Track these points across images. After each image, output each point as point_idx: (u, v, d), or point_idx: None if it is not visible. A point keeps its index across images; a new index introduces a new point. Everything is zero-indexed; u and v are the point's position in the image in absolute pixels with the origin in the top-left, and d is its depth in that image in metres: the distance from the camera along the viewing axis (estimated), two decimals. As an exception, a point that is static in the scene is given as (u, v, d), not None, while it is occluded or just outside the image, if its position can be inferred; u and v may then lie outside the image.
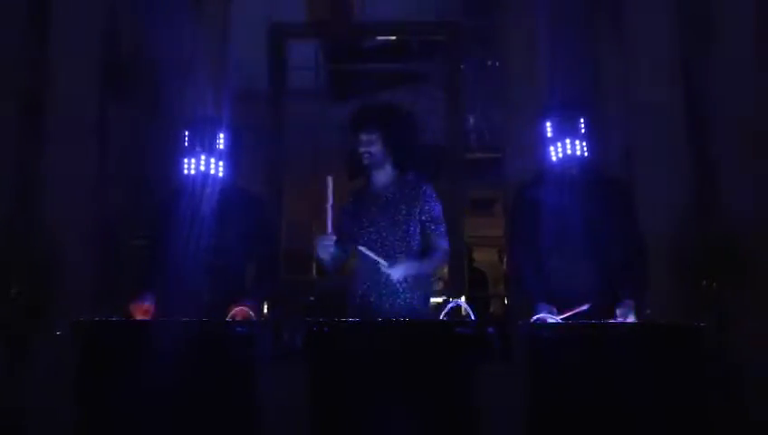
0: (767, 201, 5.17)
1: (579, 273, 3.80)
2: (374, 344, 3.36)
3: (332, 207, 3.75)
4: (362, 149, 3.98)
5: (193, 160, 3.87)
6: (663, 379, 3.27)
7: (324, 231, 3.82)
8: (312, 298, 6.50)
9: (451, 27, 7.01)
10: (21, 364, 5.10)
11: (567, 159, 3.82)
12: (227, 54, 5.88)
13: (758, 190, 5.20)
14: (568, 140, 3.80)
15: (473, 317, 3.59)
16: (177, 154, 3.92)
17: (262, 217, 4.09)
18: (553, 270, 3.86)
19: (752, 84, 5.34)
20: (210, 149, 3.87)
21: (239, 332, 3.47)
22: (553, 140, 3.84)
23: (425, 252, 4.01)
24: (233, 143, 3.97)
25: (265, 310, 5.65)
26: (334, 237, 3.81)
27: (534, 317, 3.57)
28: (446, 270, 6.87)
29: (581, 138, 3.80)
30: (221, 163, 3.90)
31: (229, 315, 3.61)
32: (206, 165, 3.86)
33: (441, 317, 3.67)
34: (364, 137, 3.98)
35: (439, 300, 6.78)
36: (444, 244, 4.03)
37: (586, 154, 3.81)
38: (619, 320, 3.57)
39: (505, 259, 7.33)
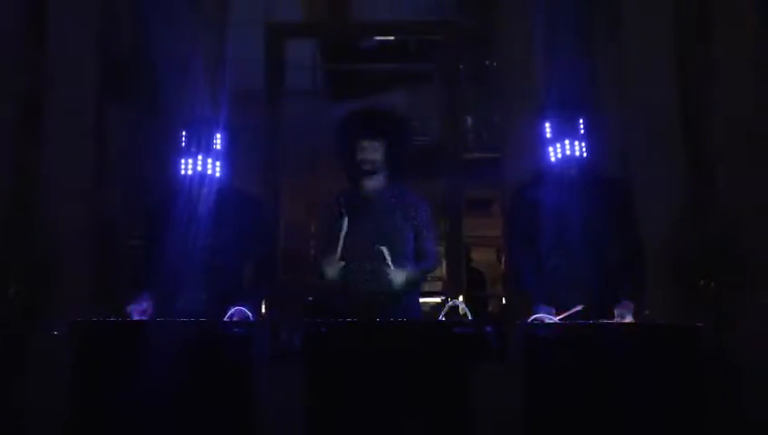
0: (764, 201, 5.17)
1: (577, 273, 3.80)
2: (372, 345, 3.36)
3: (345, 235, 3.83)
4: (366, 157, 4.00)
5: (190, 161, 3.86)
6: (660, 379, 3.27)
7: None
8: (310, 298, 6.49)
9: (449, 27, 6.99)
10: (18, 364, 5.10)
11: (566, 160, 3.82)
12: (224, 54, 5.87)
13: (755, 190, 5.20)
14: (567, 141, 3.80)
15: (470, 317, 3.59)
16: (174, 154, 3.92)
17: (259, 218, 4.09)
18: (552, 270, 3.86)
19: (748, 85, 5.34)
20: (207, 150, 3.87)
21: (236, 332, 3.46)
22: (552, 141, 3.84)
23: (418, 257, 4.05)
24: (230, 143, 3.97)
25: (263, 310, 5.65)
26: (342, 263, 3.86)
27: (532, 317, 3.57)
28: (444, 270, 6.87)
29: (581, 138, 3.80)
30: (218, 163, 3.89)
31: (227, 316, 3.60)
32: (203, 165, 3.85)
33: (440, 317, 3.67)
34: (368, 145, 4.00)
35: (438, 300, 6.79)
36: (435, 248, 4.12)
37: (585, 155, 3.81)
38: (617, 320, 3.57)
39: (504, 259, 7.32)
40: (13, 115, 5.43)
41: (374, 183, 4.08)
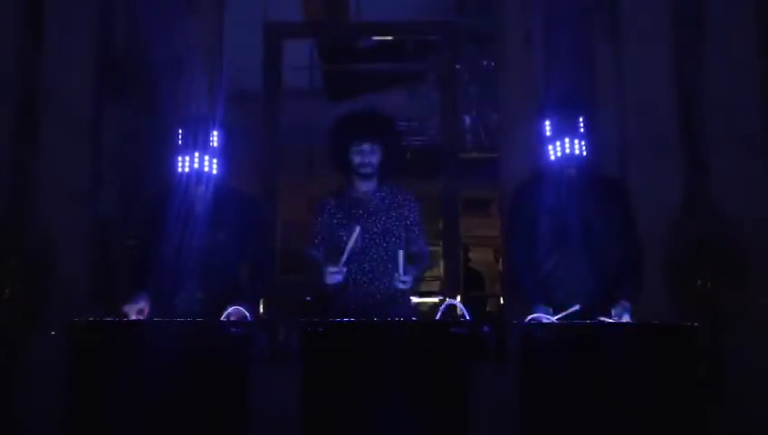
0: (761, 201, 5.18)
1: (575, 273, 3.79)
2: (369, 344, 3.36)
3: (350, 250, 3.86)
4: (364, 160, 4.01)
5: (187, 158, 3.85)
6: (657, 379, 3.27)
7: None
8: (308, 298, 6.48)
9: (447, 27, 6.99)
10: (15, 365, 5.09)
11: (565, 159, 3.81)
12: (222, 53, 5.87)
13: (752, 190, 5.20)
14: (567, 140, 3.79)
15: (468, 317, 3.59)
16: (171, 153, 3.91)
17: (256, 218, 4.09)
18: (549, 270, 3.86)
19: (745, 85, 5.35)
20: (204, 148, 3.86)
21: (234, 332, 3.46)
22: (552, 139, 3.83)
23: (411, 256, 4.08)
24: (227, 143, 3.96)
25: (261, 310, 5.65)
26: (345, 269, 3.87)
27: (529, 317, 3.57)
28: (442, 270, 6.87)
29: (580, 137, 3.79)
30: (215, 161, 3.88)
31: (224, 315, 3.60)
32: (199, 162, 3.84)
33: (437, 317, 3.67)
34: (367, 148, 4.02)
35: (435, 300, 6.79)
36: (426, 247, 4.19)
37: (584, 153, 3.80)
38: (615, 320, 3.57)
39: (501, 259, 7.32)
40: (9, 115, 5.42)
41: (368, 184, 4.11)
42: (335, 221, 4.08)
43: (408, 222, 4.11)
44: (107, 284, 5.38)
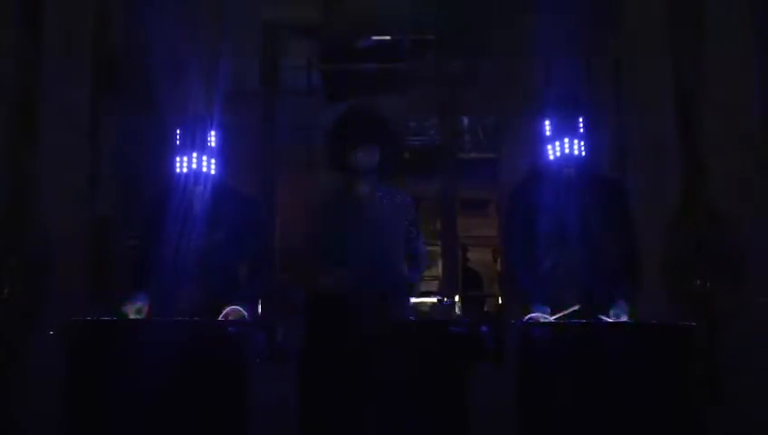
0: (759, 201, 5.18)
1: (573, 273, 3.79)
2: (367, 344, 3.37)
3: None
4: (364, 162, 4.03)
5: (185, 159, 3.85)
6: (655, 378, 3.27)
7: None
8: (306, 298, 6.48)
9: (445, 27, 6.99)
10: (14, 364, 5.09)
11: (564, 159, 3.81)
12: (220, 53, 5.86)
13: (749, 190, 5.21)
14: (567, 140, 3.79)
15: (465, 317, 3.60)
16: (169, 153, 3.91)
17: (254, 217, 4.08)
18: (547, 270, 3.86)
19: (743, 85, 5.35)
20: (202, 147, 3.86)
21: (232, 331, 3.46)
22: (552, 139, 3.83)
23: (409, 256, 4.11)
24: (225, 142, 3.96)
25: (259, 310, 5.65)
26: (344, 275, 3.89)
27: (527, 317, 3.57)
28: (440, 270, 6.88)
29: (580, 137, 3.80)
30: (213, 161, 3.88)
31: (222, 315, 3.60)
32: (197, 163, 3.84)
33: (434, 317, 3.68)
34: (366, 149, 4.02)
35: (433, 300, 6.80)
36: (423, 247, 4.20)
37: (583, 154, 3.81)
38: (612, 320, 3.57)
39: (500, 259, 7.33)
40: (8, 115, 5.42)
41: (367, 184, 4.11)
42: (334, 222, 4.09)
43: (408, 222, 4.13)
44: (105, 283, 5.37)
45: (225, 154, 3.97)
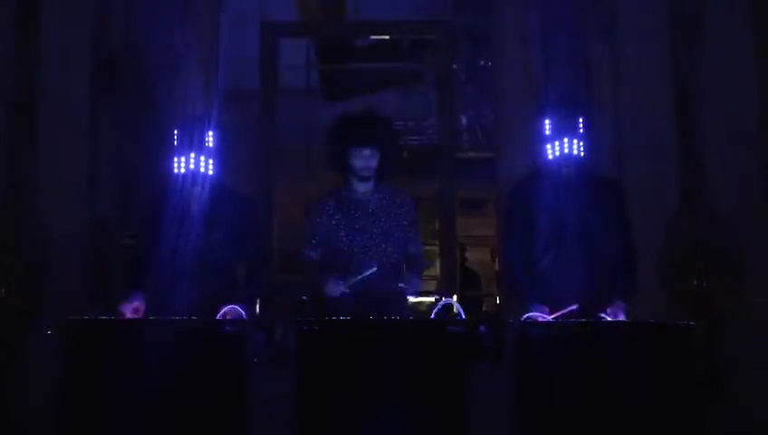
0: (757, 201, 5.19)
1: (571, 272, 3.79)
2: (366, 344, 3.36)
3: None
4: (363, 164, 4.03)
5: (183, 159, 3.85)
6: (653, 378, 3.27)
7: None
8: (304, 297, 6.49)
9: (443, 26, 6.99)
10: (12, 364, 5.08)
11: (563, 158, 3.81)
12: (218, 53, 5.86)
13: (747, 190, 5.21)
14: (566, 140, 3.79)
15: (463, 316, 3.60)
16: (167, 153, 3.91)
17: (252, 217, 4.08)
18: (545, 269, 3.86)
19: (741, 85, 5.35)
20: (200, 148, 3.85)
21: (229, 330, 3.46)
22: (551, 138, 3.83)
23: (407, 256, 4.13)
24: (224, 142, 3.96)
25: (258, 310, 5.65)
26: (349, 289, 3.90)
27: (525, 316, 3.57)
28: (438, 270, 6.88)
29: (580, 137, 3.80)
30: (210, 161, 3.88)
31: (220, 314, 3.60)
32: (195, 163, 3.84)
33: (432, 316, 3.68)
34: (366, 152, 4.03)
35: (431, 299, 6.79)
36: (421, 248, 4.23)
37: (582, 154, 3.81)
38: (610, 319, 3.57)
39: (498, 259, 7.33)
40: (6, 114, 5.42)
41: (366, 185, 4.11)
42: (334, 222, 4.09)
43: (407, 223, 4.13)
44: (103, 283, 5.37)
45: (223, 154, 3.96)
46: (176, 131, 3.89)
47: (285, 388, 3.45)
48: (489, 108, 7.19)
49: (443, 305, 3.73)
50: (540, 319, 3.54)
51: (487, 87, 7.05)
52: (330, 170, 4.27)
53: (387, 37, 7.81)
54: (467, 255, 8.64)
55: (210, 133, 3.88)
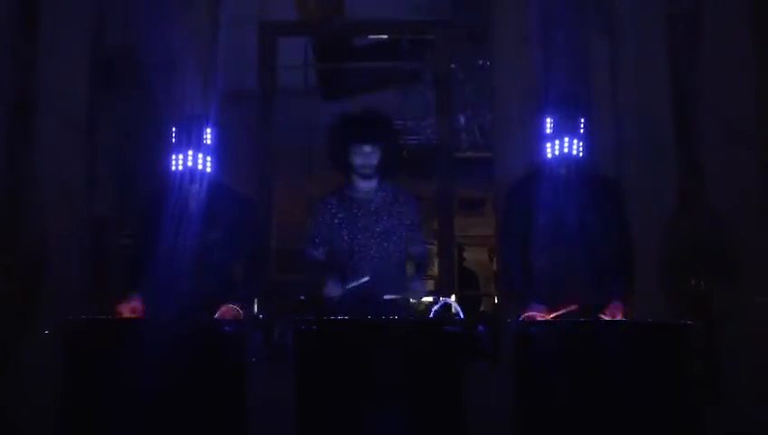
0: (755, 201, 5.19)
1: (569, 272, 3.79)
2: (363, 343, 3.36)
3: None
4: (365, 162, 4.03)
5: (181, 157, 3.85)
6: (651, 377, 3.27)
7: None
8: (302, 297, 6.48)
9: (442, 26, 6.99)
10: (9, 364, 5.08)
11: (562, 158, 3.81)
12: (216, 52, 5.85)
13: (745, 190, 5.21)
14: (566, 139, 3.79)
15: (462, 316, 3.60)
16: (165, 152, 3.91)
17: (250, 217, 4.09)
18: (543, 269, 3.86)
19: (740, 85, 5.35)
20: (198, 146, 3.85)
21: (227, 330, 3.46)
22: (552, 137, 3.83)
23: (412, 256, 4.15)
24: (222, 142, 3.96)
25: (256, 309, 5.64)
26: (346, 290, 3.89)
27: (523, 316, 3.57)
28: (436, 269, 6.87)
29: (580, 137, 3.80)
30: (209, 159, 3.88)
31: (218, 314, 3.60)
32: (193, 161, 3.84)
33: (430, 316, 3.68)
34: (367, 149, 4.04)
35: (429, 299, 6.79)
36: (425, 247, 4.27)
37: (581, 154, 3.81)
38: (608, 319, 3.57)
39: (496, 259, 7.32)
40: (4, 114, 5.41)
41: (369, 184, 4.12)
42: (336, 221, 4.10)
43: (409, 222, 4.13)
44: (101, 282, 5.36)
45: (221, 153, 3.97)
46: (174, 130, 3.89)
47: (284, 387, 3.46)
48: (487, 108, 7.17)
49: (441, 305, 3.73)
50: (538, 319, 3.54)
51: (486, 87, 7.03)
52: (331, 169, 4.28)
53: (385, 37, 7.80)
54: (465, 255, 8.63)
55: (208, 131, 3.88)
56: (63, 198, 5.36)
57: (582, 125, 3.82)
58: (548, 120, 3.86)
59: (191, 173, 3.85)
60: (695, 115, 5.46)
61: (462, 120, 8.13)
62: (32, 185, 5.38)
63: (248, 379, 3.45)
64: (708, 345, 4.96)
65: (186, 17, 5.69)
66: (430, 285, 7.30)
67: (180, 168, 3.85)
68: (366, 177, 4.09)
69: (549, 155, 3.84)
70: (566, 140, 3.80)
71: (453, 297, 5.35)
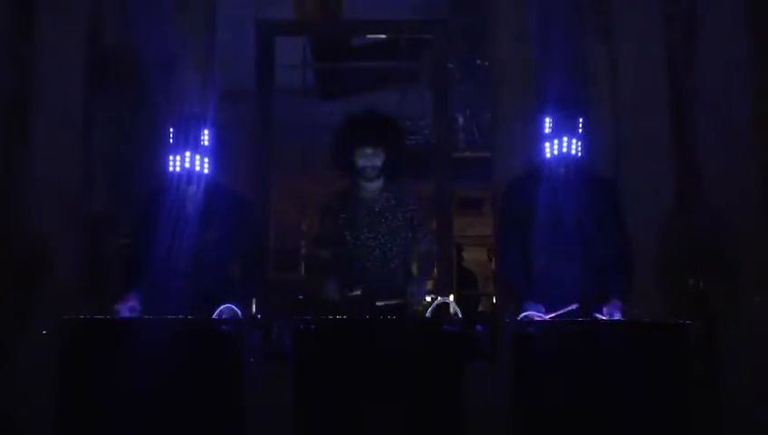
0: (753, 200, 5.19)
1: (567, 272, 3.79)
2: (361, 343, 3.36)
3: None
4: (369, 164, 4.03)
5: (178, 158, 3.84)
6: (649, 377, 3.27)
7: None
8: (300, 296, 6.48)
9: (439, 26, 6.98)
10: (6, 364, 5.07)
11: (561, 157, 3.81)
12: (214, 52, 5.85)
13: (744, 190, 5.21)
14: (565, 138, 3.79)
15: (460, 316, 3.59)
16: (163, 152, 3.90)
17: (247, 216, 4.08)
18: (541, 268, 3.86)
19: (738, 85, 5.35)
20: (195, 147, 3.84)
21: (225, 330, 3.45)
22: (550, 137, 3.83)
23: (418, 255, 4.13)
24: (219, 141, 3.96)
25: (254, 309, 5.64)
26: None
27: (521, 315, 3.56)
28: (435, 269, 6.86)
29: (578, 137, 3.80)
30: (206, 160, 3.87)
31: (215, 314, 3.59)
32: (190, 162, 3.83)
33: (428, 316, 3.68)
34: (370, 152, 4.02)
35: (428, 299, 6.79)
36: (429, 248, 4.19)
37: (580, 154, 3.81)
38: (606, 318, 3.57)
39: (494, 259, 7.32)
40: (0, 114, 5.40)
41: (374, 186, 4.12)
42: (341, 221, 4.10)
43: (415, 223, 4.12)
44: (98, 282, 5.35)
45: (219, 153, 3.96)
46: (171, 129, 3.88)
47: (282, 387, 3.45)
48: (486, 107, 7.18)
49: (439, 305, 3.73)
50: (536, 318, 3.54)
51: (484, 87, 7.03)
52: (334, 170, 4.27)
53: (383, 36, 7.79)
54: (464, 254, 8.62)
55: (205, 132, 3.87)
56: (60, 198, 5.34)
57: (581, 125, 3.82)
58: (546, 119, 3.86)
59: (188, 174, 3.85)
60: (692, 115, 5.46)
61: (460, 119, 8.14)
62: (28, 184, 5.37)
63: (246, 379, 3.44)
64: (707, 345, 4.96)
65: (183, 16, 5.68)
66: (429, 284, 7.30)
67: (178, 169, 3.84)
68: (369, 178, 4.08)
69: (547, 155, 3.84)
70: (564, 139, 3.80)
71: (451, 297, 5.36)
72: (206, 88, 5.48)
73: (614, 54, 5.61)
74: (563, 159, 3.81)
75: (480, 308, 8.34)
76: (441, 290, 6.45)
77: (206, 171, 3.88)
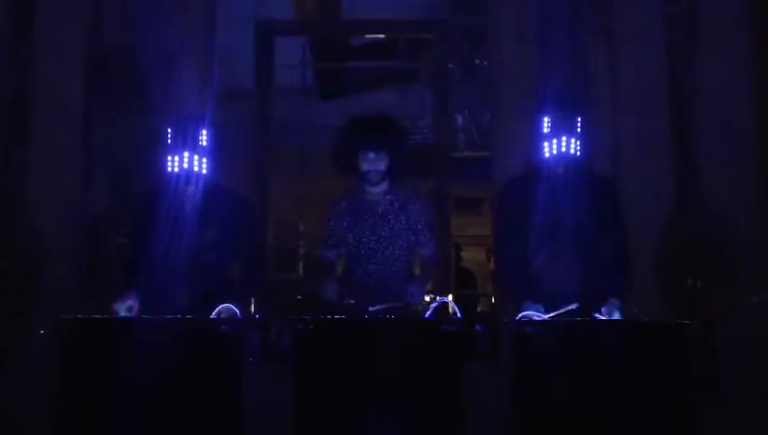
0: (751, 200, 5.19)
1: (566, 272, 3.79)
2: (360, 342, 3.36)
3: None
4: (372, 168, 4.02)
5: (176, 158, 3.84)
6: (648, 376, 3.27)
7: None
8: (299, 296, 6.48)
9: (439, 26, 6.98)
10: (5, 364, 5.07)
11: (560, 157, 3.81)
12: (213, 52, 5.84)
13: (743, 190, 5.21)
14: (564, 138, 3.79)
15: (459, 316, 3.59)
16: (161, 152, 3.90)
17: (246, 216, 4.08)
18: (541, 268, 3.85)
19: (737, 84, 5.35)
20: (194, 147, 3.84)
21: (224, 329, 3.45)
22: (549, 137, 3.83)
23: (416, 260, 4.16)
24: (218, 141, 3.95)
25: (253, 309, 5.64)
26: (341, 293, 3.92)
27: (520, 315, 3.56)
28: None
29: (577, 136, 3.80)
30: (204, 160, 3.87)
31: (214, 313, 3.59)
32: (189, 162, 3.83)
33: (427, 316, 3.68)
34: (372, 155, 4.03)
35: (427, 298, 6.78)
36: (432, 251, 4.19)
37: (579, 153, 3.81)
38: (605, 318, 3.57)
39: (493, 258, 7.32)
40: (0, 114, 5.40)
41: (378, 188, 4.12)
42: (345, 223, 4.11)
43: (418, 226, 4.12)
44: (97, 282, 5.35)
45: (218, 153, 3.95)
46: (169, 130, 3.88)
47: (281, 387, 3.45)
48: (485, 107, 7.18)
49: (438, 304, 3.72)
50: (535, 318, 3.54)
51: (483, 86, 7.03)
52: (337, 171, 4.27)
53: (382, 36, 7.80)
54: (463, 254, 8.63)
55: (204, 132, 3.87)
56: (59, 198, 5.34)
57: (580, 124, 3.82)
58: (545, 119, 3.86)
59: (187, 174, 3.84)
60: (692, 115, 5.46)
61: (459, 119, 8.14)
62: (27, 184, 5.37)
63: (245, 378, 3.44)
64: (707, 345, 4.96)
65: (183, 16, 5.68)
66: (429, 286, 7.30)
67: (176, 169, 3.84)
68: (373, 182, 4.08)
69: (546, 154, 3.84)
70: (563, 139, 3.80)
71: (450, 297, 5.36)
72: (206, 87, 5.48)
73: (614, 54, 5.61)
74: (562, 158, 3.81)
75: (479, 308, 8.34)
76: (440, 290, 6.46)
77: (204, 171, 3.88)
